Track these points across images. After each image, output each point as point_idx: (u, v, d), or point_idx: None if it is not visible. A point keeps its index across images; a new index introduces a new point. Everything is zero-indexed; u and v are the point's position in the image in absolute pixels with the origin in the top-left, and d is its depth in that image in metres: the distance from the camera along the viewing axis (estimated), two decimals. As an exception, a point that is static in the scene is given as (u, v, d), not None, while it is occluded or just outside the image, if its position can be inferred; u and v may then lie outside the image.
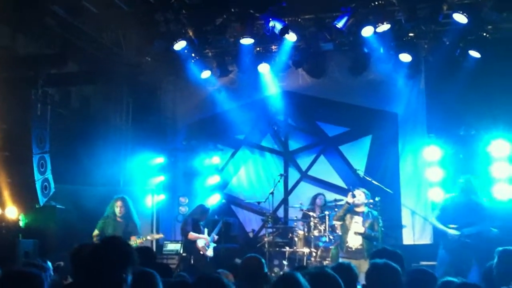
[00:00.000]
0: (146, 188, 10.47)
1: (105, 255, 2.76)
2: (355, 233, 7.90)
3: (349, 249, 7.91)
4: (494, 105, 9.13)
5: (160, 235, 9.09)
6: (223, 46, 10.09)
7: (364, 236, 7.82)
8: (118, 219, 8.35)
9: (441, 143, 9.80)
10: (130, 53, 9.98)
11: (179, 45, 9.33)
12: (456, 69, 9.29)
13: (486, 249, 6.64)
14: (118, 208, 8.34)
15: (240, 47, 9.69)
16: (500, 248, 4.91)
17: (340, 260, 7.72)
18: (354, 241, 7.92)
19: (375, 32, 8.91)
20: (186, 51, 9.70)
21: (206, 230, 9.21)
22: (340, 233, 8.74)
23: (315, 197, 10.12)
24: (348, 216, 8.05)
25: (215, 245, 9.27)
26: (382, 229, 8.00)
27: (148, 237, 8.65)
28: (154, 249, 9.89)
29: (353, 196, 7.96)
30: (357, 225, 7.96)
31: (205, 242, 9.06)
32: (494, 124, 9.16)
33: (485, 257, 5.29)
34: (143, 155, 10.69)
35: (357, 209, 8.06)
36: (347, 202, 8.09)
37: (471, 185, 7.87)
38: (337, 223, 8.74)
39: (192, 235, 9.04)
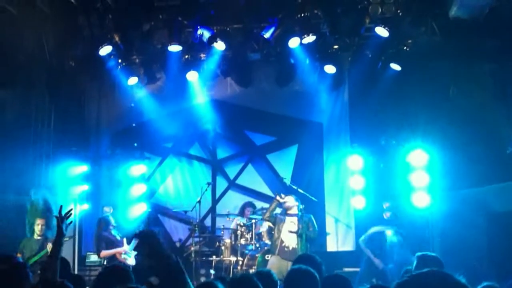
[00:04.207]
0: (68, 197, 10.09)
1: None
2: (289, 231, 8.04)
3: (285, 249, 8.03)
4: (413, 116, 9.52)
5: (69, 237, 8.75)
6: (151, 52, 9.93)
7: (298, 234, 7.96)
8: (37, 237, 8.24)
9: (363, 153, 10.08)
10: (52, 57, 9.63)
11: (105, 50, 9.13)
12: (378, 81, 9.67)
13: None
14: (38, 227, 8.25)
15: (168, 54, 9.61)
16: (419, 253, 5.14)
17: (276, 260, 7.88)
18: (289, 241, 8.05)
19: (301, 44, 9.14)
20: (111, 56, 9.51)
21: (124, 240, 8.95)
22: (267, 241, 8.88)
23: (243, 207, 10.18)
24: (281, 219, 8.18)
25: (135, 253, 9.01)
26: (317, 229, 8.23)
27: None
28: (76, 260, 9.59)
29: (280, 196, 8.17)
30: (292, 224, 8.10)
31: (123, 251, 8.81)
32: (412, 135, 9.53)
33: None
34: (65, 163, 10.29)
35: (290, 212, 8.23)
36: (276, 199, 8.25)
37: (396, 217, 8.32)
38: (264, 229, 8.89)
39: (104, 253, 8.70)
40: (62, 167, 10.26)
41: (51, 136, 10.73)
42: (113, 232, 8.98)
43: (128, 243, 8.94)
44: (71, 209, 5.20)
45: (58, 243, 4.34)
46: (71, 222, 5.20)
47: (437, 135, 9.06)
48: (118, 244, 8.88)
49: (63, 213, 4.94)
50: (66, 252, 9.07)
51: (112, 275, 3.66)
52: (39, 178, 10.31)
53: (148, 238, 3.68)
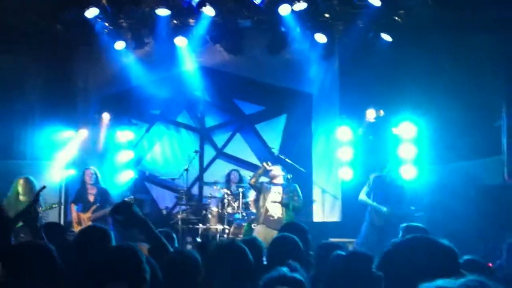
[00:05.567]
0: (54, 162, 10.00)
1: None
2: (272, 201, 8.09)
3: (270, 218, 8.09)
4: (403, 88, 9.44)
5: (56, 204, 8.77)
6: (139, 16, 9.68)
7: (283, 204, 8.02)
8: (21, 197, 8.08)
9: (352, 124, 10.03)
10: (40, 20, 9.40)
11: (91, 13, 8.93)
12: (369, 52, 9.54)
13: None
14: (21, 187, 8.11)
15: (157, 18, 9.41)
16: (404, 224, 5.16)
17: (262, 229, 7.92)
18: (274, 210, 8.11)
19: (292, 11, 8.98)
20: (99, 19, 9.30)
21: (93, 208, 8.88)
22: (254, 210, 8.90)
23: (229, 174, 10.14)
24: (266, 188, 8.22)
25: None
26: (302, 199, 8.26)
27: (52, 206, 8.42)
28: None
29: (268, 163, 8.22)
30: (276, 194, 8.15)
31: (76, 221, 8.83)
32: (402, 107, 9.49)
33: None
34: (52, 128, 10.16)
35: (276, 181, 8.26)
36: (263, 165, 8.31)
37: (397, 169, 8.22)
38: (251, 198, 8.93)
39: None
40: (48, 132, 10.14)
41: (37, 100, 10.58)
42: (90, 190, 8.96)
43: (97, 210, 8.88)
44: (44, 187, 5.16)
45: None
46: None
47: (427, 107, 9.02)
48: (86, 205, 8.87)
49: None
50: (52, 218, 9.09)
51: (91, 234, 3.68)
52: (24, 142, 10.22)
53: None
